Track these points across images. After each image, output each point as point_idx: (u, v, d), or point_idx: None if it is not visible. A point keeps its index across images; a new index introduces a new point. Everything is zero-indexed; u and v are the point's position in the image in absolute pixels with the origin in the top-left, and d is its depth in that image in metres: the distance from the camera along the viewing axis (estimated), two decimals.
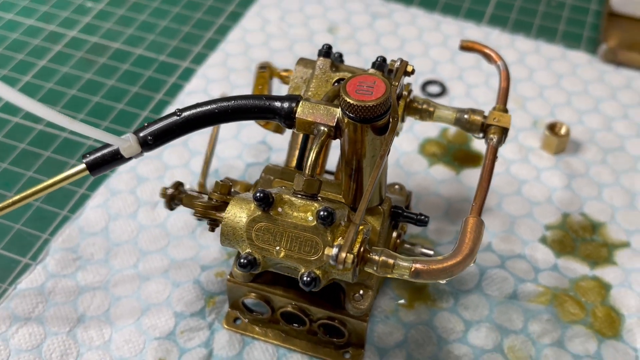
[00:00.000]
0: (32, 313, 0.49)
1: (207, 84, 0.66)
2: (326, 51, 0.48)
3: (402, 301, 0.51)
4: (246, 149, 0.61)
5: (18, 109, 0.62)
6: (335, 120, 0.42)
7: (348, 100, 0.40)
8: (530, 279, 0.52)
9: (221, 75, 0.67)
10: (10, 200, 0.44)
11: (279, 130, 0.52)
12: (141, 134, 0.43)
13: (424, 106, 0.49)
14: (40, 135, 0.61)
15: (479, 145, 0.62)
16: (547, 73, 0.69)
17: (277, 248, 0.40)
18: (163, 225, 0.55)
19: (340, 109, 0.41)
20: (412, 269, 0.38)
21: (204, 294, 0.51)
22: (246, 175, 0.59)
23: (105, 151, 0.43)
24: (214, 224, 0.45)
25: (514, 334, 0.49)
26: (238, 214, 0.41)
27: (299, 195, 0.41)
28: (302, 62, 0.50)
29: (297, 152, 0.49)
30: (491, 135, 0.47)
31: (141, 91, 0.66)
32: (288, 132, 0.55)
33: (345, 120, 0.41)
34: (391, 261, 0.39)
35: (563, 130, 0.61)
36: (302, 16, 0.74)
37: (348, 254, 0.37)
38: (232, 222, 0.40)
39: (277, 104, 0.43)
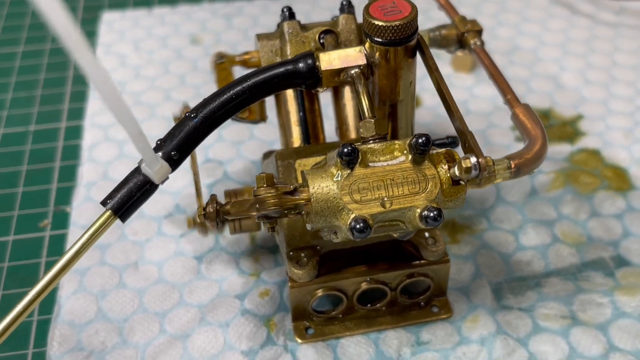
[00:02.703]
0: None
1: (106, 130, 0.58)
2: (290, 13, 0.44)
3: (446, 240, 0.48)
4: None
5: None
6: (365, 56, 0.39)
7: (380, 24, 0.37)
8: (536, 171, 0.53)
9: (114, 118, 0.59)
10: (36, 291, 0.34)
11: (263, 118, 0.47)
12: (161, 152, 0.36)
13: None
14: None
15: None
16: None
17: (383, 199, 0.35)
18: (161, 279, 0.46)
19: (367, 42, 0.38)
20: (513, 166, 0.37)
21: (260, 320, 0.44)
22: None
23: (130, 185, 0.35)
24: (274, 223, 0.39)
25: (557, 222, 0.49)
26: (323, 184, 0.35)
27: (371, 141, 0.37)
28: (263, 36, 0.45)
29: (297, 128, 0.45)
30: (473, 41, 0.46)
31: (34, 167, 0.55)
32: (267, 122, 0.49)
33: (377, 52, 0.38)
34: (492, 168, 0.36)
35: None
36: (156, 40, 0.68)
37: (487, 158, 0.34)
38: (322, 195, 0.35)
39: (298, 65, 0.38)
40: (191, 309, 0.45)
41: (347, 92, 0.45)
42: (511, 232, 0.49)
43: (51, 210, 0.52)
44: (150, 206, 0.51)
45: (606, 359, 0.41)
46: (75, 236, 0.49)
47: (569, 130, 0.57)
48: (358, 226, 0.34)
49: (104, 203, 0.35)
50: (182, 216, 0.51)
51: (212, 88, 0.61)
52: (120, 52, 0.67)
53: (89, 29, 0.70)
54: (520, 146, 0.55)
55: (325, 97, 0.47)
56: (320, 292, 0.42)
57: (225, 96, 0.37)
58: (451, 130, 0.57)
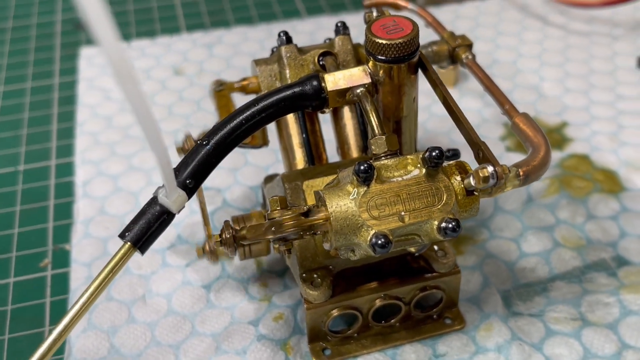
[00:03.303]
0: None
1: (98, 165, 0.57)
2: (287, 37, 0.45)
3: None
4: (194, 202, 0.54)
5: None
6: (369, 75, 0.39)
7: (384, 42, 0.38)
8: None
9: (105, 153, 0.58)
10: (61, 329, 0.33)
11: (265, 142, 0.47)
12: (176, 181, 0.36)
13: None
14: None
15: None
16: None
17: (402, 213, 0.36)
18: (171, 310, 0.46)
19: (371, 61, 0.39)
20: (521, 174, 0.37)
21: (277, 344, 0.43)
22: (215, 224, 0.52)
23: (147, 216, 0.35)
24: (290, 245, 0.39)
25: (556, 227, 0.50)
26: (341, 202, 0.36)
27: (383, 158, 0.37)
28: (261, 61, 0.46)
29: (300, 150, 0.45)
30: (465, 55, 0.47)
31: (27, 207, 0.55)
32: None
33: (381, 70, 0.39)
34: (508, 176, 0.37)
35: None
36: (138, 72, 0.68)
37: (504, 166, 0.35)
38: (341, 213, 0.35)
39: (304, 87, 0.39)
40: (205, 338, 0.44)
41: (346, 111, 0.46)
42: (513, 240, 0.50)
43: (50, 249, 0.51)
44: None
45: (620, 357, 0.42)
46: (77, 274, 0.49)
47: (557, 137, 0.58)
48: (379, 242, 0.35)
49: (122, 236, 0.35)
50: (185, 246, 0.50)
51: (201, 117, 0.62)
52: (103, 86, 0.66)
53: (69, 66, 0.70)
54: (512, 155, 0.56)
55: (321, 118, 0.47)
56: (335, 312, 0.42)
57: (235, 122, 0.38)
58: (440, 144, 0.58)
